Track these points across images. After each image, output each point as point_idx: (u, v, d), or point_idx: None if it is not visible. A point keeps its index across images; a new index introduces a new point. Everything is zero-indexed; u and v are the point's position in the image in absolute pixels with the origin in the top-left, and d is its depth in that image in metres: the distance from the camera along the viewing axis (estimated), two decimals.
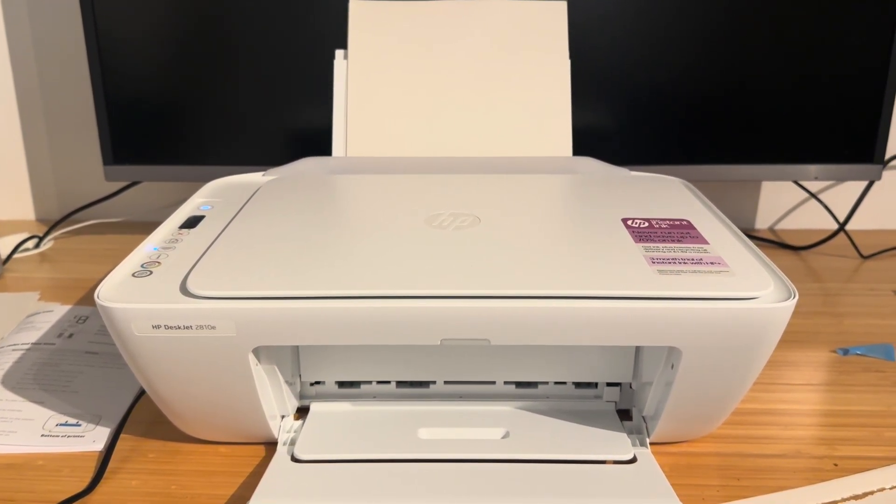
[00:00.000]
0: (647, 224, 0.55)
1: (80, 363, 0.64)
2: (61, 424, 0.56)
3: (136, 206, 0.99)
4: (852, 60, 0.80)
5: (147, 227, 0.99)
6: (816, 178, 0.83)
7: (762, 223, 0.99)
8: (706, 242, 0.52)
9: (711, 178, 0.84)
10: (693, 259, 0.49)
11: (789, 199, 0.97)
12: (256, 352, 0.47)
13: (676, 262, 0.49)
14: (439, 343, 0.46)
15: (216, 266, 0.49)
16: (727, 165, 0.83)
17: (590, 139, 0.75)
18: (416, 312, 0.45)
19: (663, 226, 0.55)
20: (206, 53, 0.82)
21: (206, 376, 0.48)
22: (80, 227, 0.96)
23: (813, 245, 0.91)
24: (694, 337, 0.45)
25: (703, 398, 0.49)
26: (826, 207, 0.91)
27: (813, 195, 0.94)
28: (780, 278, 0.48)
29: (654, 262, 0.48)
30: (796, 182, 0.92)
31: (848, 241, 0.91)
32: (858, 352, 0.67)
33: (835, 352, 0.67)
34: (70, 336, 0.68)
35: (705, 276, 0.47)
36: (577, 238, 0.53)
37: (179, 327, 0.45)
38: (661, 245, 0.51)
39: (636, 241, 0.52)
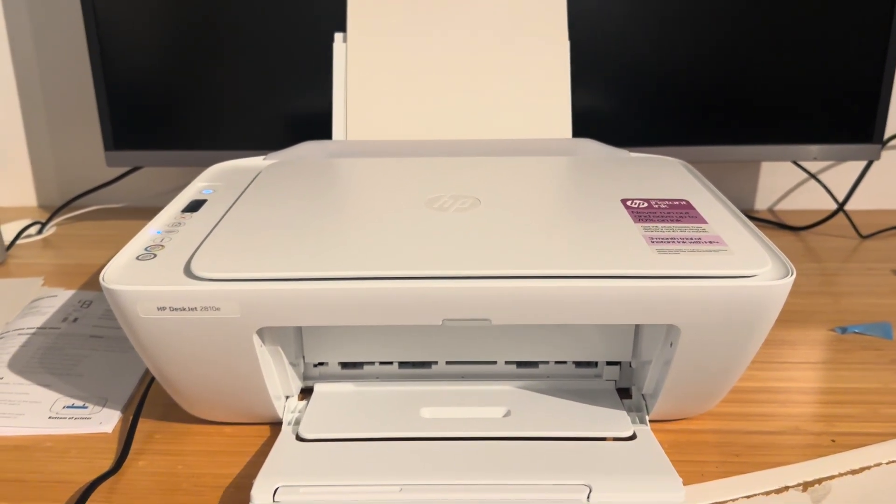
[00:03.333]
0: (646, 204, 0.55)
1: (85, 347, 0.64)
2: (68, 407, 0.57)
3: (138, 191, 0.99)
4: (852, 39, 0.80)
5: (149, 212, 0.99)
6: (815, 159, 0.83)
7: (761, 204, 0.99)
8: (704, 222, 0.52)
9: (711, 159, 0.84)
10: (691, 238, 0.49)
11: (788, 179, 0.98)
12: (261, 333, 0.48)
13: (675, 241, 0.49)
14: (441, 323, 0.46)
15: (219, 248, 0.49)
16: (727, 146, 0.84)
17: (589, 120, 0.75)
18: (418, 293, 0.45)
19: (662, 206, 0.55)
20: (206, 38, 0.82)
21: (212, 357, 0.48)
22: (82, 212, 0.97)
23: (812, 225, 0.91)
24: (692, 315, 0.46)
25: (701, 376, 0.50)
26: (825, 188, 0.92)
27: (812, 175, 0.94)
28: (778, 256, 0.48)
29: (653, 242, 0.49)
30: (795, 162, 0.92)
31: (847, 222, 0.91)
32: (856, 330, 0.67)
33: (833, 330, 0.68)
34: (75, 320, 0.68)
35: (704, 255, 0.47)
36: (576, 218, 0.53)
37: (184, 309, 0.45)
38: (660, 224, 0.51)
39: (635, 221, 0.52)
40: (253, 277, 0.46)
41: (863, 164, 0.90)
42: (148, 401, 0.57)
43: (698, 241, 0.49)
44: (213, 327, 0.46)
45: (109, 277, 0.47)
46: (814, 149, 0.83)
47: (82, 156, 0.99)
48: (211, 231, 0.52)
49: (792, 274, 0.46)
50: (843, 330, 0.68)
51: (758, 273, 0.46)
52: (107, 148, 0.84)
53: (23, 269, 0.83)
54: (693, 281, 0.45)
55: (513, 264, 0.46)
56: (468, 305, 0.46)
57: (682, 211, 0.54)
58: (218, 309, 0.45)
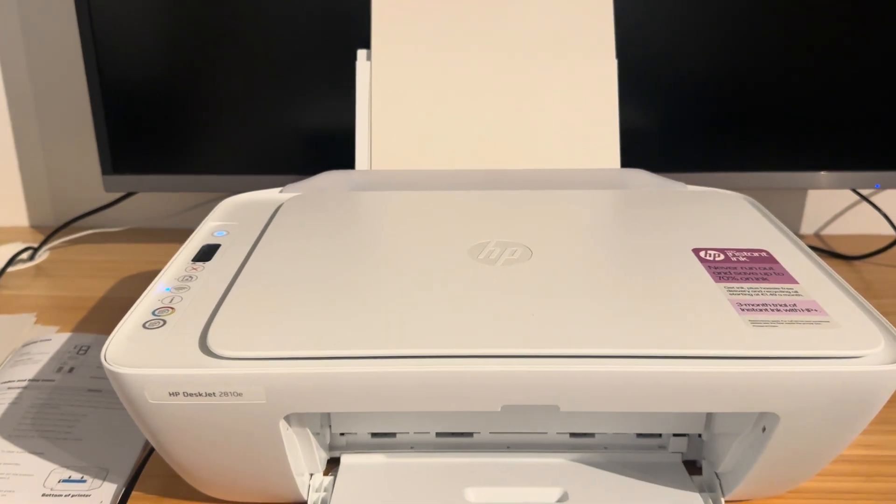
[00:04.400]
0: (722, 256, 0.49)
1: (83, 403, 0.58)
2: (64, 481, 0.50)
3: (140, 213, 0.92)
4: None
5: (151, 235, 0.94)
6: (880, 187, 0.77)
7: (808, 228, 0.92)
8: (795, 282, 0.46)
9: (763, 187, 0.77)
10: (786, 305, 0.43)
11: (837, 201, 0.91)
12: (288, 417, 0.41)
13: (768, 308, 0.42)
14: (499, 410, 0.40)
15: (239, 317, 0.42)
16: (781, 173, 0.77)
17: (630, 145, 0.68)
18: (475, 376, 0.39)
19: (741, 259, 0.48)
20: (213, 53, 0.75)
21: (230, 443, 0.42)
22: (79, 236, 0.90)
23: (868, 255, 0.84)
24: (796, 402, 0.39)
25: (794, 461, 0.44)
26: (884, 214, 0.85)
27: (865, 198, 0.87)
28: (889, 330, 0.42)
29: (743, 310, 0.42)
30: (852, 188, 0.85)
31: None
32: None
33: None
34: (70, 370, 0.62)
35: (805, 329, 0.41)
36: (648, 277, 0.46)
37: (201, 394, 0.39)
38: (745, 286, 0.45)
39: (716, 281, 0.45)
40: (281, 356, 0.39)
41: None
42: (152, 473, 0.51)
43: (794, 308, 0.43)
44: (233, 414, 0.39)
45: (112, 357, 0.40)
46: (875, 175, 0.76)
47: (79, 174, 0.92)
48: (228, 289, 0.46)
49: None
50: None
51: (870, 353, 0.39)
52: (104, 172, 0.77)
53: (13, 303, 0.76)
54: (799, 364, 0.38)
55: (585, 341, 0.40)
56: (533, 390, 0.39)
57: (765, 266, 0.47)
58: (240, 395, 0.39)
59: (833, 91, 0.75)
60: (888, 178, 0.77)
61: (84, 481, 0.50)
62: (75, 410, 0.57)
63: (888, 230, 0.86)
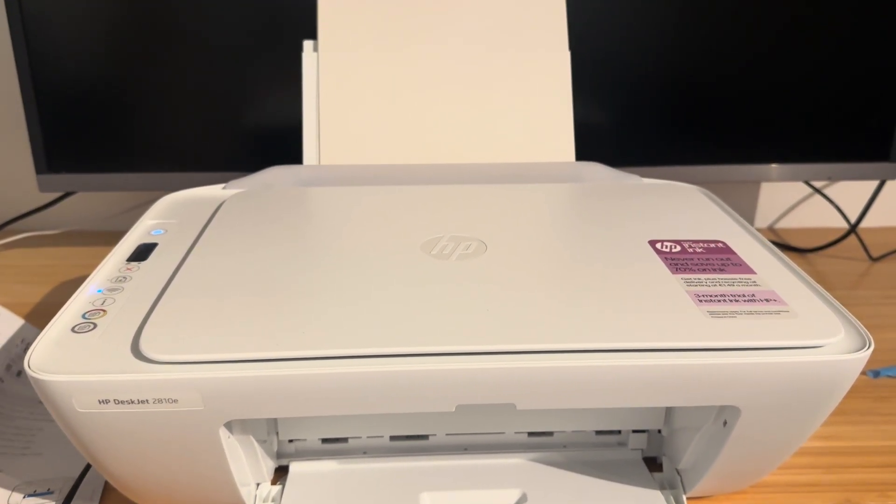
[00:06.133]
0: (678, 248, 0.47)
1: (38, 416, 0.54)
2: (30, 495, 0.47)
3: (76, 215, 0.88)
4: (866, 54, 0.74)
5: (89, 238, 0.90)
6: (830, 179, 0.77)
7: (762, 221, 0.93)
8: (753, 272, 0.45)
9: (717, 180, 0.77)
10: (744, 295, 0.42)
11: (790, 195, 0.91)
12: (229, 424, 0.39)
13: (726, 299, 0.41)
14: (454, 410, 0.38)
15: (175, 317, 0.40)
16: (734, 165, 0.77)
17: (583, 140, 0.66)
18: (428, 375, 0.37)
19: (697, 250, 0.47)
20: (154, 42, 0.71)
21: (166, 454, 0.39)
22: (12, 240, 0.85)
23: (822, 247, 0.85)
24: (757, 394, 0.38)
25: (755, 454, 0.43)
26: (837, 207, 0.85)
27: (818, 191, 0.88)
28: (849, 320, 0.41)
29: (700, 301, 0.41)
30: (805, 181, 0.86)
31: (856, 242, 0.85)
32: (891, 373, 0.61)
33: (864, 374, 0.61)
34: (19, 374, 0.58)
35: (765, 319, 0.40)
36: (603, 270, 0.45)
37: (133, 402, 0.36)
38: (702, 276, 0.44)
39: (673, 272, 0.44)
40: (219, 359, 0.36)
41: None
42: (91, 482, 0.47)
43: (752, 298, 0.42)
44: (169, 422, 0.37)
45: (37, 362, 0.37)
46: (828, 168, 0.77)
47: (11, 174, 0.87)
48: (164, 290, 0.43)
49: (870, 346, 0.39)
50: (876, 374, 0.61)
51: (831, 342, 0.38)
52: (39, 171, 0.73)
53: None
54: (760, 354, 0.37)
55: (541, 336, 0.38)
56: (488, 389, 0.37)
57: (722, 257, 0.47)
58: (175, 401, 0.36)
59: (785, 85, 0.75)
60: (840, 169, 0.77)
61: (51, 493, 0.47)
62: (30, 424, 0.54)
63: (840, 222, 0.87)
